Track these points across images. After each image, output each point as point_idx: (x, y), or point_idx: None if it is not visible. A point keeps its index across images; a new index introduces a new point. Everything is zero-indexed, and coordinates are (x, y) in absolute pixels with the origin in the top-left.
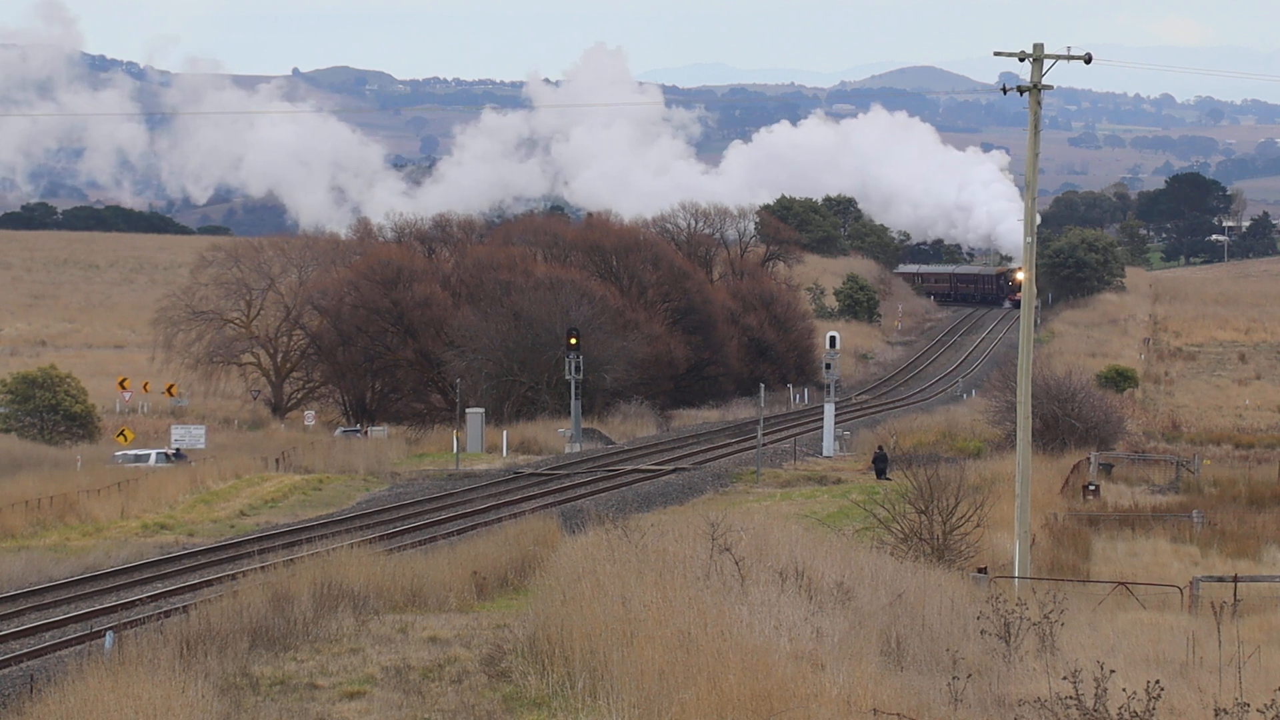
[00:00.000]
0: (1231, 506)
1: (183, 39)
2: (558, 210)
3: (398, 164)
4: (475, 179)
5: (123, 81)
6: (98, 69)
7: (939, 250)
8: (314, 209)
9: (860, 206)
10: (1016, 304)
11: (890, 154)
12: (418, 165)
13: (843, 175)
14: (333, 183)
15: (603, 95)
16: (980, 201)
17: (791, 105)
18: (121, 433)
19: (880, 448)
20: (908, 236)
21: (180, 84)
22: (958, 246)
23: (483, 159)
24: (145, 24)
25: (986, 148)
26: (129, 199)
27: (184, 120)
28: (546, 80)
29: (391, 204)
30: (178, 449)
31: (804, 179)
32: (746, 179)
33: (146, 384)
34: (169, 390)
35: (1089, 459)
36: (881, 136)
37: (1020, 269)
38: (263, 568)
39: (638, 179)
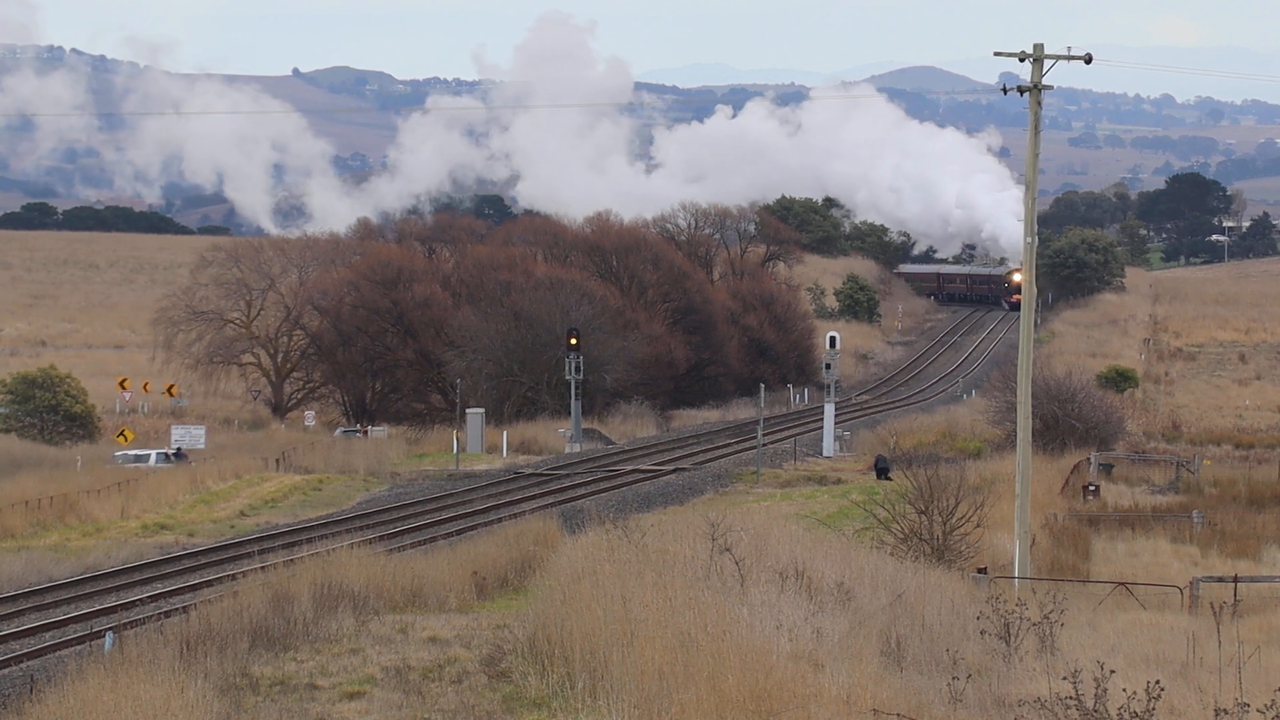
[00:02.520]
0: (1231, 507)
1: (128, 26)
2: (508, 214)
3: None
4: (427, 168)
5: (73, 73)
6: (52, 59)
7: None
8: (253, 204)
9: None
10: (1014, 306)
11: (842, 141)
12: (372, 167)
13: (791, 169)
14: (274, 176)
15: (555, 72)
16: (921, 188)
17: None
18: (121, 433)
19: (880, 457)
20: (907, 237)
21: (125, 72)
22: (929, 249)
23: (436, 148)
24: (144, 23)
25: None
26: (79, 191)
27: (127, 110)
28: (500, 82)
29: (332, 200)
30: (179, 449)
31: (746, 172)
32: (683, 174)
33: (147, 384)
34: (169, 390)
35: (1089, 459)
36: (833, 121)
37: (1017, 270)
38: (263, 568)
39: (576, 176)
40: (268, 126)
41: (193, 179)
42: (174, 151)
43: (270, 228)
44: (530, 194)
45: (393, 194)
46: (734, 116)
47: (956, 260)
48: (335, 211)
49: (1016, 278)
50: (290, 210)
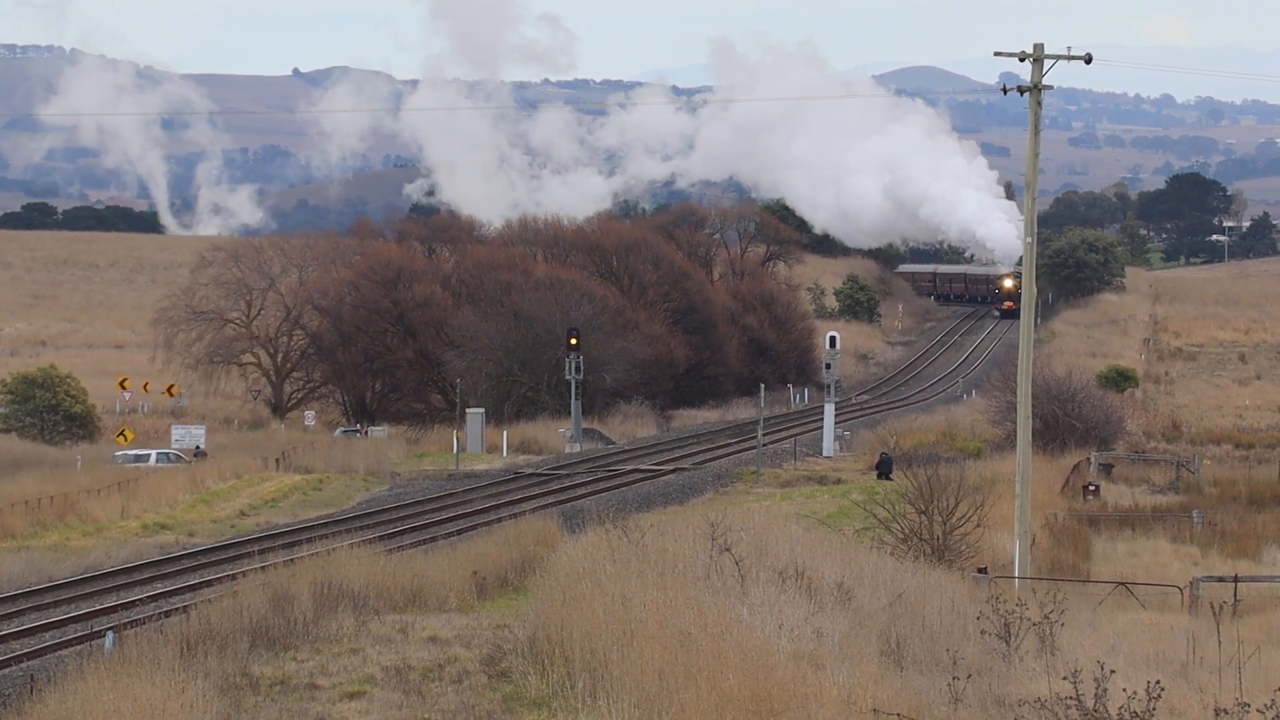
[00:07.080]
0: (1231, 506)
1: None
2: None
3: (397, 164)
4: (346, 140)
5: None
6: None
7: (938, 250)
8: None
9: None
10: (1007, 314)
11: (761, 129)
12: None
13: (709, 161)
14: (168, 173)
15: (487, 28)
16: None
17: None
18: (122, 433)
19: (884, 454)
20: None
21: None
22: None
23: (352, 119)
24: (144, 23)
25: (987, 148)
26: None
27: (33, 103)
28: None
29: (222, 193)
30: (197, 446)
31: (645, 168)
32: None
33: (147, 384)
34: (169, 390)
35: (1089, 459)
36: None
37: (1009, 275)
38: (263, 568)
39: (472, 173)
40: (161, 116)
41: (108, 167)
42: (73, 144)
43: (172, 226)
44: (419, 192)
45: (298, 180)
46: (625, 106)
47: (930, 248)
48: (228, 203)
49: (1008, 283)
50: (184, 203)
